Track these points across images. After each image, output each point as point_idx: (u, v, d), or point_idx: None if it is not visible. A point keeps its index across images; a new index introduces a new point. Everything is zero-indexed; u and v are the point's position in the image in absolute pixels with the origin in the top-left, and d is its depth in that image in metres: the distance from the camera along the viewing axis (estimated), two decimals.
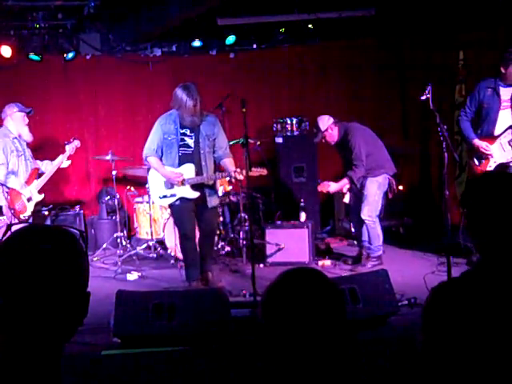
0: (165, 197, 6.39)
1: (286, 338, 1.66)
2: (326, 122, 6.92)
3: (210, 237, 6.66)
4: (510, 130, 6.36)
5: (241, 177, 6.18)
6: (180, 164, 6.33)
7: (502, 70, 6.33)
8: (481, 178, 2.36)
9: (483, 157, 6.45)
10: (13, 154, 6.89)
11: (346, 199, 7.16)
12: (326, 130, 6.91)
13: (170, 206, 6.53)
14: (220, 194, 7.85)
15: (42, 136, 8.59)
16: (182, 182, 6.28)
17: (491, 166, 6.43)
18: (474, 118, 6.59)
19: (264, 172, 6.58)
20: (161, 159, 6.41)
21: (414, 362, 2.00)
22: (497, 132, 6.43)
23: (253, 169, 6.36)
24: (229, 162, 6.43)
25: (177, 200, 6.38)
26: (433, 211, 8.59)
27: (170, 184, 6.37)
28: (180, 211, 6.43)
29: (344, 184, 6.89)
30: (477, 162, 6.54)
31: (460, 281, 2.09)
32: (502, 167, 6.37)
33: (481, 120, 6.54)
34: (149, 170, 7.88)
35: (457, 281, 2.14)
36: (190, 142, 6.33)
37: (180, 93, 6.19)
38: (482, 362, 1.84)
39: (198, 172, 6.33)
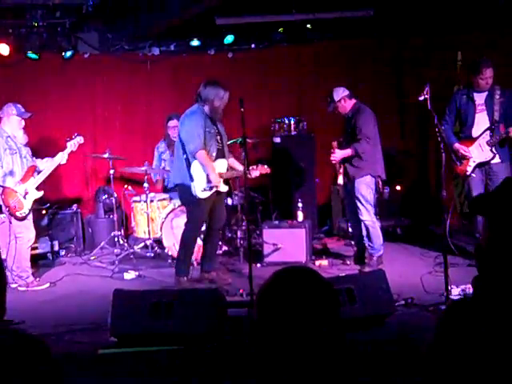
0: (205, 190, 6.41)
1: (279, 336, 1.66)
2: (340, 93, 6.98)
3: (218, 233, 6.90)
4: (487, 132, 6.82)
5: (256, 173, 6.65)
6: (216, 158, 6.46)
7: (471, 79, 6.87)
8: (507, 183, 1.95)
9: (463, 158, 6.91)
10: (6, 152, 6.88)
11: (340, 180, 7.17)
12: (340, 100, 6.96)
13: (204, 199, 6.50)
14: None
15: (39, 134, 8.59)
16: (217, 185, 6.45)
17: (471, 165, 6.90)
18: (455, 124, 7.10)
19: (267, 170, 6.83)
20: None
21: (415, 365, 1.90)
22: (475, 133, 6.90)
23: (256, 167, 6.68)
24: (236, 161, 6.76)
25: (211, 194, 6.46)
26: (430, 212, 8.60)
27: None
28: (208, 204, 6.48)
29: (347, 153, 6.89)
30: (458, 163, 6.97)
31: (477, 298, 1.85)
32: (481, 165, 6.87)
33: (461, 124, 7.04)
34: (144, 170, 7.92)
35: (473, 301, 1.86)
36: (219, 138, 6.53)
37: (215, 88, 6.33)
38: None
39: (228, 167, 6.59)
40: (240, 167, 6.63)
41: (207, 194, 6.41)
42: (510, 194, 1.88)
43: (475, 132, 6.87)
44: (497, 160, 6.80)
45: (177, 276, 6.54)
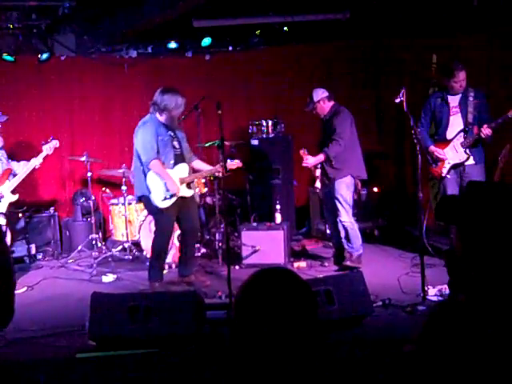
0: (166, 199, 6.37)
1: (257, 337, 1.68)
2: (320, 94, 7.04)
3: (195, 235, 6.82)
4: (461, 133, 6.89)
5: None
6: (175, 164, 6.42)
7: (445, 83, 6.96)
8: (476, 189, 1.99)
9: (438, 159, 6.98)
10: None
11: (318, 184, 7.23)
12: (319, 101, 7.01)
13: (167, 207, 6.47)
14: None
15: (15, 137, 8.53)
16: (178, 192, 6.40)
17: (446, 166, 6.96)
18: (430, 126, 7.14)
19: (239, 164, 6.77)
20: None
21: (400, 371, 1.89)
22: (449, 135, 6.97)
23: (228, 161, 6.54)
24: (201, 163, 6.78)
25: (175, 200, 6.42)
26: (407, 213, 8.67)
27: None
28: (172, 210, 6.45)
29: (320, 159, 6.96)
30: (433, 165, 7.02)
31: (460, 303, 1.86)
32: (456, 167, 6.93)
33: (436, 127, 7.10)
34: (122, 173, 7.90)
35: (457, 303, 1.87)
36: (176, 143, 6.49)
37: (172, 96, 6.31)
38: None
39: (189, 171, 6.53)
40: (206, 167, 6.69)
41: (169, 202, 6.38)
42: (474, 200, 1.91)
43: (449, 134, 6.94)
44: (471, 162, 6.86)
45: (150, 281, 6.55)
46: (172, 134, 6.45)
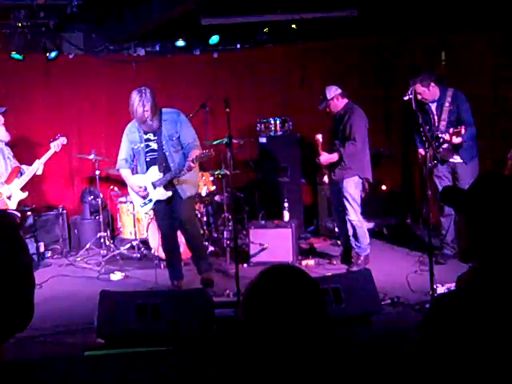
0: (145, 204, 6.46)
1: (265, 335, 1.67)
2: (333, 91, 7.00)
3: (185, 229, 6.49)
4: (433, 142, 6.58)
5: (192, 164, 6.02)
6: (147, 168, 6.35)
7: None
8: (482, 180, 2.04)
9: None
10: None
11: (326, 179, 7.22)
12: (332, 98, 6.98)
13: (153, 209, 6.61)
14: (204, 193, 7.88)
15: (23, 135, 8.55)
16: (146, 195, 6.39)
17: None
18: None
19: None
20: (136, 167, 6.54)
21: (403, 362, 1.90)
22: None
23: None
24: (193, 153, 6.15)
25: (154, 204, 6.43)
26: (415, 211, 8.64)
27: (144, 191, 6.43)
28: (158, 213, 6.53)
29: (333, 158, 6.93)
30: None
31: (463, 293, 1.90)
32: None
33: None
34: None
35: (460, 293, 1.93)
36: (155, 145, 6.28)
37: (131, 99, 6.04)
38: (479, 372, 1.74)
39: (165, 172, 6.27)
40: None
41: (148, 207, 6.48)
42: (486, 190, 1.92)
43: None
44: (459, 160, 6.75)
45: (170, 280, 6.61)
46: (152, 135, 6.23)
